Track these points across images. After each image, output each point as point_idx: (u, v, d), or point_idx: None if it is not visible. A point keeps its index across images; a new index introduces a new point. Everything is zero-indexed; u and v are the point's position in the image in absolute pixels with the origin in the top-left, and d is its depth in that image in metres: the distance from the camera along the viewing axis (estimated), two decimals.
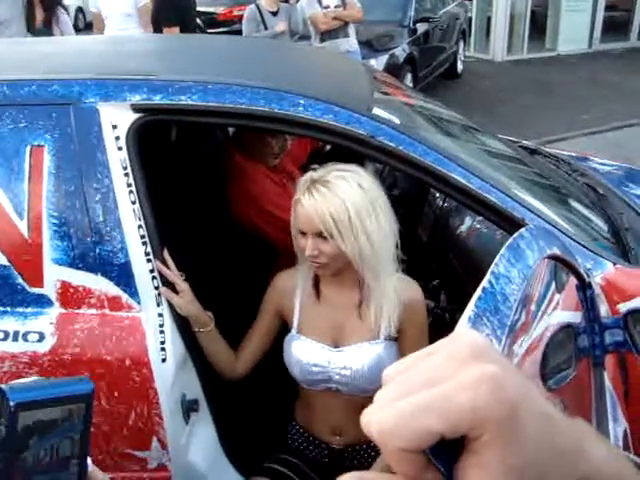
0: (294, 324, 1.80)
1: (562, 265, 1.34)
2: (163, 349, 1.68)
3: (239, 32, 7.53)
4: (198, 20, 11.48)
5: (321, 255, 1.65)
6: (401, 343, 1.74)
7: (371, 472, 0.37)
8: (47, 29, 5.22)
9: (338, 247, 1.63)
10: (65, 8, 5.78)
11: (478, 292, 0.80)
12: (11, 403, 0.47)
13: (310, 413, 1.87)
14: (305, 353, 1.75)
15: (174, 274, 1.72)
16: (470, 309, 0.76)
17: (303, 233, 1.68)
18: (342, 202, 1.60)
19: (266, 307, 1.84)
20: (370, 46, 7.20)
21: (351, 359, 1.71)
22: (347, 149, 1.81)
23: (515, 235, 1.04)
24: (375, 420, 0.36)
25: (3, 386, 0.48)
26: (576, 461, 0.39)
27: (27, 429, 0.47)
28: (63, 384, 0.53)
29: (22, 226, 1.66)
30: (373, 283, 1.69)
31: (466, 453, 0.37)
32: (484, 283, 0.82)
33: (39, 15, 5.25)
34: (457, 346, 0.39)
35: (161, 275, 1.71)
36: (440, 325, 2.05)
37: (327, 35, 5.97)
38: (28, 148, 1.66)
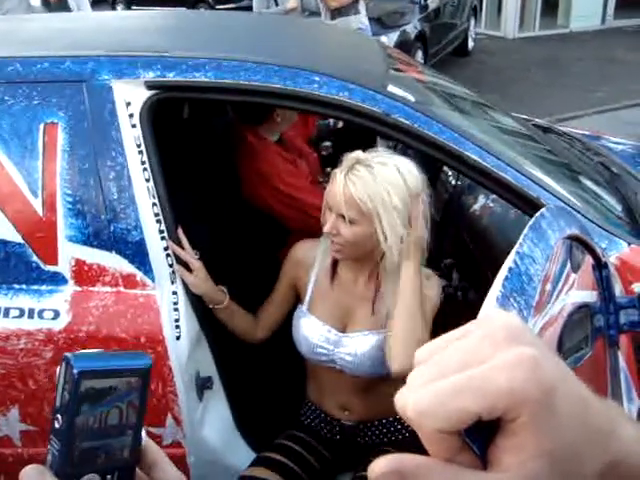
0: (305, 300, 1.81)
1: (579, 244, 1.33)
2: (177, 326, 1.69)
3: (248, 8, 7.48)
4: None
5: (339, 236, 1.64)
6: None
7: (410, 454, 0.37)
8: (63, 2, 5.19)
9: (356, 234, 1.62)
10: None
11: (504, 272, 0.79)
12: (75, 370, 0.49)
13: (319, 389, 1.88)
14: (312, 332, 1.76)
15: (188, 253, 1.73)
16: (497, 289, 0.76)
17: (330, 209, 1.66)
18: (376, 189, 1.57)
19: (283, 276, 1.86)
20: (381, 23, 7.14)
21: (356, 345, 1.72)
22: (362, 127, 1.80)
23: (537, 215, 1.03)
24: (412, 401, 0.36)
25: (68, 354, 0.50)
26: (608, 442, 0.39)
27: (84, 396, 0.50)
28: (123, 357, 0.55)
29: (37, 204, 1.66)
30: (386, 274, 1.69)
31: (501, 435, 0.37)
32: (509, 263, 0.82)
33: None
34: (491, 328, 0.38)
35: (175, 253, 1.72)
36: (452, 303, 2.05)
37: (337, 12, 5.90)
38: (42, 126, 1.66)
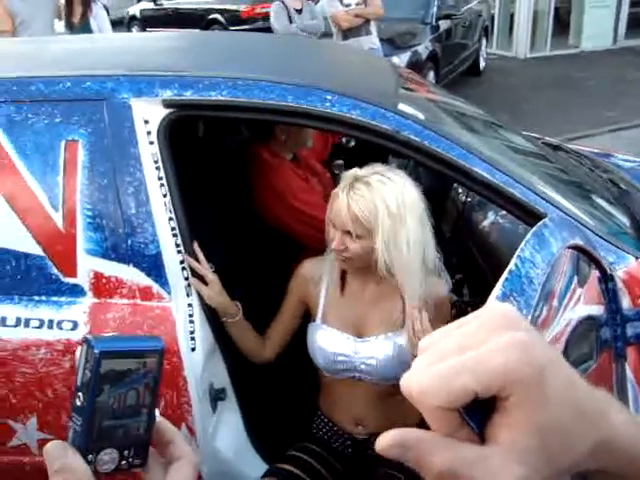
0: (318, 313, 1.84)
1: (584, 256, 1.36)
2: (193, 338, 1.72)
3: (262, 30, 7.57)
4: (221, 18, 11.61)
5: (347, 251, 1.70)
6: None
7: (414, 429, 0.41)
8: (85, 25, 5.28)
9: (363, 247, 1.67)
10: (106, 7, 5.86)
11: (505, 274, 0.83)
12: (96, 351, 0.53)
13: (333, 403, 1.90)
14: (330, 343, 1.79)
15: (203, 266, 1.77)
16: (498, 289, 0.80)
17: (334, 226, 1.72)
18: (376, 207, 1.63)
19: (291, 294, 1.89)
20: (392, 43, 7.19)
21: (376, 349, 1.75)
22: (373, 144, 1.84)
23: (539, 224, 1.07)
24: (415, 381, 0.40)
25: (89, 336, 0.55)
26: (597, 423, 0.42)
27: (105, 376, 0.54)
28: (139, 339, 0.60)
29: (57, 218, 1.71)
30: (398, 283, 1.73)
31: (497, 412, 0.40)
32: (510, 266, 0.86)
33: (77, 11, 5.31)
34: (489, 316, 0.42)
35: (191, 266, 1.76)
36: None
37: (349, 33, 5.97)
38: (63, 143, 1.71)
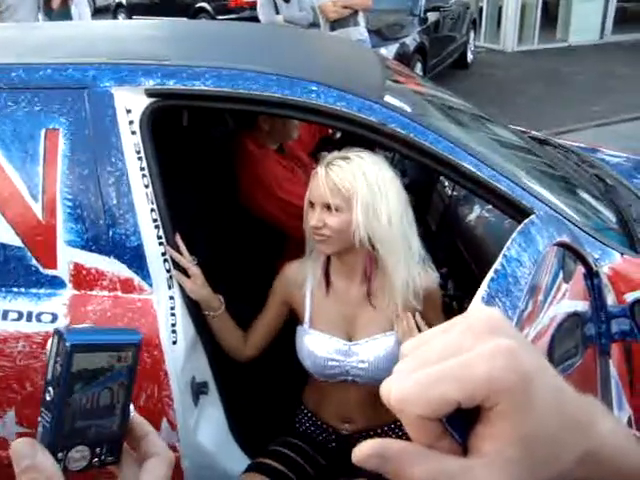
0: (305, 317, 1.81)
1: (570, 253, 1.35)
2: (174, 331, 1.70)
3: (249, 19, 7.53)
4: (208, 6, 11.53)
5: (325, 228, 1.68)
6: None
7: (393, 439, 0.39)
8: (65, 11, 5.23)
9: (343, 222, 1.66)
10: None
11: (490, 274, 0.82)
12: (67, 344, 0.50)
13: (320, 401, 1.88)
14: (319, 348, 1.76)
15: (186, 259, 1.74)
16: (483, 289, 0.78)
17: (313, 205, 1.71)
18: (354, 176, 1.64)
19: (275, 296, 1.86)
20: (380, 35, 7.18)
21: (367, 352, 1.72)
22: (358, 136, 1.82)
23: (526, 221, 1.06)
24: (395, 388, 0.38)
25: (61, 328, 0.52)
26: (585, 432, 0.40)
27: (77, 375, 0.51)
28: (114, 332, 0.57)
29: (37, 208, 1.68)
30: (383, 266, 1.71)
31: (480, 422, 0.38)
32: (496, 265, 0.84)
33: None
34: (474, 321, 0.40)
35: (173, 258, 1.73)
36: (448, 313, 2.07)
37: (337, 24, 5.93)
38: (43, 131, 1.68)
